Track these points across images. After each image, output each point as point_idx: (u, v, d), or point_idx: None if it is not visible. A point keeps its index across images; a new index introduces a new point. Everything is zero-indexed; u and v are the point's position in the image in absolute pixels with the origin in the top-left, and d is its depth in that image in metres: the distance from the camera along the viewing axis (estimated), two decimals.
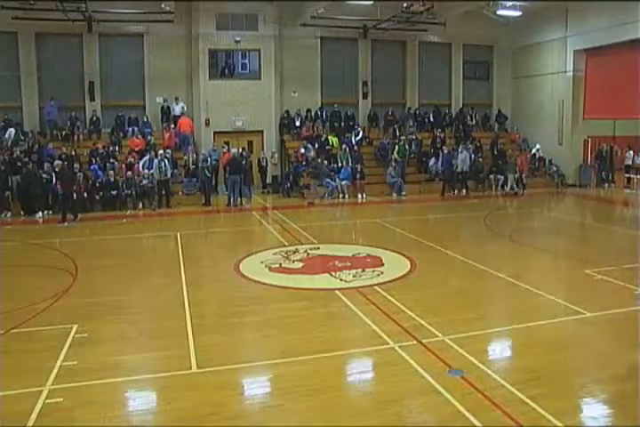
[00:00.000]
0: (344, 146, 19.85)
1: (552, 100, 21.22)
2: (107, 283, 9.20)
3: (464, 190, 19.35)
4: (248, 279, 9.15)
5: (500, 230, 13.23)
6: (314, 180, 17.81)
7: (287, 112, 20.85)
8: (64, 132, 18.50)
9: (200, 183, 17.54)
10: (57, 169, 14.95)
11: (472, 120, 22.93)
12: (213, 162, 18.13)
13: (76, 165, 16.45)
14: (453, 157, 19.43)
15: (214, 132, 20.17)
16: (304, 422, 4.74)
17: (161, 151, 17.02)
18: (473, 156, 20.58)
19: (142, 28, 19.41)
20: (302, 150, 19.60)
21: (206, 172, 17.32)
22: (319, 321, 7.22)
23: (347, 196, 18.44)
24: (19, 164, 15.78)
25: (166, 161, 16.70)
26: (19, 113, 18.66)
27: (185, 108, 19.81)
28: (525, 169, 19.72)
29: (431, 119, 22.43)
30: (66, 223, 14.34)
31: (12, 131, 17.61)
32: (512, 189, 19.41)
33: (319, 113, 21.26)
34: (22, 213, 15.33)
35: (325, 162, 19.17)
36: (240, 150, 18.35)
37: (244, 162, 17.68)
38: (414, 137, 21.05)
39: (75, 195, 14.86)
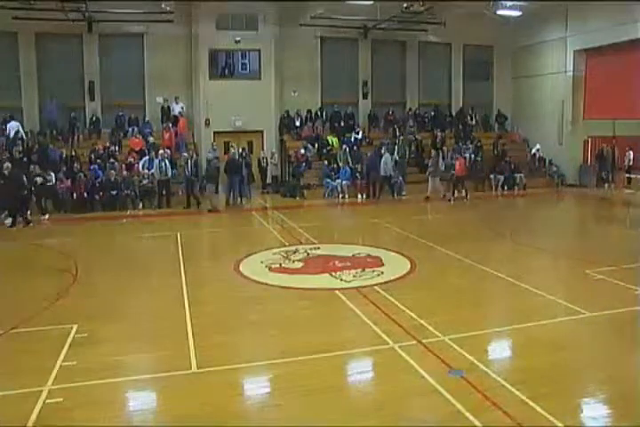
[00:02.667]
0: (344, 146, 19.86)
1: (552, 100, 21.23)
2: (107, 283, 9.19)
3: (394, 194, 18.29)
4: (248, 279, 9.14)
5: (500, 230, 13.23)
6: (209, 184, 16.37)
7: (287, 112, 20.85)
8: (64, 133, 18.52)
9: (185, 185, 16.74)
10: (6, 172, 13.96)
11: (472, 120, 22.94)
12: (215, 161, 18.14)
13: (76, 165, 16.54)
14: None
15: (214, 132, 20.17)
16: (304, 422, 4.73)
17: (161, 151, 17.02)
18: (472, 156, 20.64)
19: (142, 28, 19.42)
20: (302, 151, 19.61)
21: (186, 172, 16.69)
22: (319, 321, 7.22)
23: (347, 196, 18.44)
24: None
25: (166, 161, 16.70)
26: (19, 113, 18.65)
27: (184, 109, 19.81)
28: (462, 173, 18.04)
29: (431, 119, 22.43)
30: (15, 228, 13.78)
31: (15, 125, 17.36)
32: (438, 193, 17.96)
33: (319, 113, 21.26)
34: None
35: (325, 162, 19.21)
36: (240, 150, 18.35)
37: (243, 162, 17.65)
38: (414, 137, 21.05)
39: (25, 198, 14.32)
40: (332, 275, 9.23)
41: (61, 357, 5.94)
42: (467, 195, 17.89)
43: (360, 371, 5.94)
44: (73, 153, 17.38)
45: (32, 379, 5.44)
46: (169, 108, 19.72)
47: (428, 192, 18.13)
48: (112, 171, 16.44)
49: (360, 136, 20.76)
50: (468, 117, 22.87)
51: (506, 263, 10.09)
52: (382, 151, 18.47)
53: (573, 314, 7.23)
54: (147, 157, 17.19)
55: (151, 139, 18.62)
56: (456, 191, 17.95)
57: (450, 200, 17.64)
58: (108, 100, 19.67)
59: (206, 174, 16.66)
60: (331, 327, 7.02)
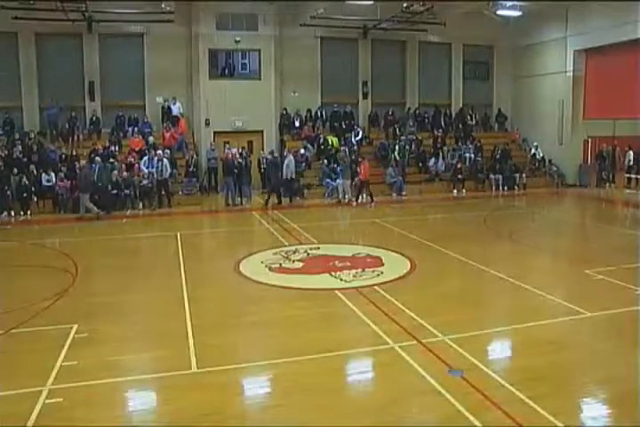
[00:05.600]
0: (343, 146, 19.83)
1: (552, 100, 21.21)
2: (107, 283, 9.21)
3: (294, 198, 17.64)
4: (248, 279, 9.15)
5: (500, 230, 13.23)
6: (83, 194, 15.09)
7: (285, 110, 20.84)
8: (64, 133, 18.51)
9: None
10: None
11: (472, 120, 22.92)
12: (213, 162, 18.12)
13: (77, 165, 16.52)
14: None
15: (214, 132, 20.17)
16: (304, 422, 4.74)
17: (159, 151, 17.01)
18: (472, 156, 20.64)
19: (142, 28, 19.40)
20: (302, 151, 19.59)
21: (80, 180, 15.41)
22: (319, 321, 7.22)
23: (347, 196, 18.41)
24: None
25: (166, 161, 16.69)
26: (19, 113, 18.65)
27: (181, 109, 19.78)
28: (366, 177, 17.18)
29: (431, 119, 22.42)
30: None
31: None
32: (344, 197, 17.46)
33: (319, 113, 21.25)
34: (22, 212, 15.36)
35: (325, 162, 19.20)
36: (240, 150, 18.33)
37: (243, 162, 17.62)
38: (414, 137, 21.04)
39: None
40: (331, 275, 9.23)
41: (61, 357, 5.95)
42: (371, 200, 17.10)
43: (360, 371, 5.94)
44: (73, 153, 17.38)
45: (32, 379, 5.45)
46: (169, 107, 19.70)
47: (339, 195, 17.74)
48: (114, 171, 16.41)
49: (360, 136, 20.74)
50: (468, 117, 22.85)
51: (506, 263, 10.08)
52: (285, 153, 18.08)
53: (573, 314, 7.23)
54: (147, 157, 17.18)
55: (151, 139, 18.60)
56: (361, 196, 17.37)
57: (354, 204, 17.15)
58: (107, 100, 19.65)
59: (79, 182, 15.18)
60: (331, 327, 7.03)
